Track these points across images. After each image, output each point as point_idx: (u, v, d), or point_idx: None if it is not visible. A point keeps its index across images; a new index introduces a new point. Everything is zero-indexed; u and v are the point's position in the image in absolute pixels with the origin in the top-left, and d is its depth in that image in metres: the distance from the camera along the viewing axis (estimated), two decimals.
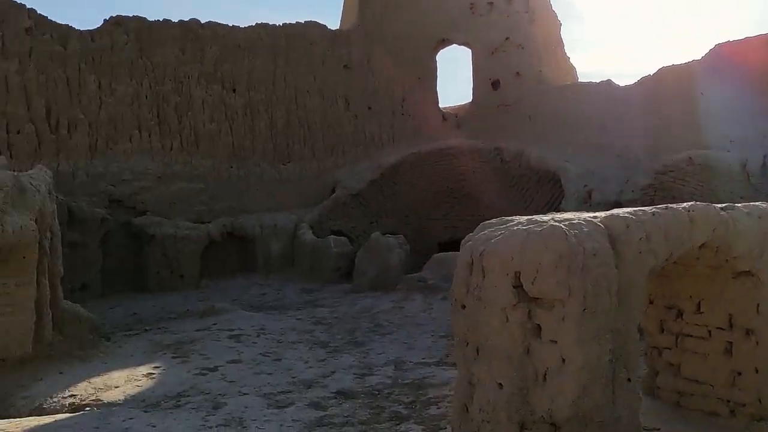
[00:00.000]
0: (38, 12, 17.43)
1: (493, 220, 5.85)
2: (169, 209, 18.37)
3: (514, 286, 4.89)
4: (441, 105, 23.65)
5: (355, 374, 9.22)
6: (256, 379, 9.17)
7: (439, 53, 23.72)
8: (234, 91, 20.23)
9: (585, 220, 5.09)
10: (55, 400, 8.53)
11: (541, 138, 20.09)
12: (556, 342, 4.77)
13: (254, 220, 19.15)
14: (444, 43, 23.35)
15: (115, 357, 10.40)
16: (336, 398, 8.12)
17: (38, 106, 17.14)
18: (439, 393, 7.95)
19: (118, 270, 17.43)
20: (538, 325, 4.88)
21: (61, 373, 9.49)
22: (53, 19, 17.72)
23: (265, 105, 20.71)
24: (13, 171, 10.15)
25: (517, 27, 21.88)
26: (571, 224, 4.96)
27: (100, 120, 17.95)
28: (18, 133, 16.80)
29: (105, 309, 14.78)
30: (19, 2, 17.15)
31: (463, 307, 5.53)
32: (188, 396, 8.47)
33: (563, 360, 4.75)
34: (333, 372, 9.40)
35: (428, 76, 23.33)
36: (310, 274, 18.07)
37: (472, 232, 5.75)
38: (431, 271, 14.58)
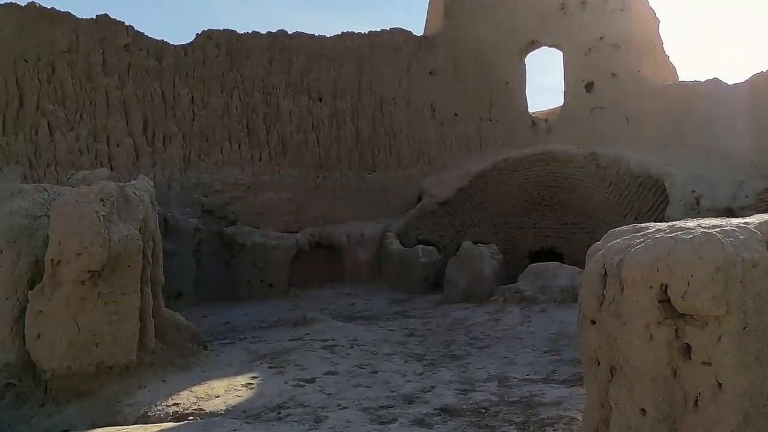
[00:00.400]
0: (136, 29, 18.05)
1: (624, 228, 5.36)
2: (258, 219, 18.58)
3: (659, 301, 4.39)
4: (530, 110, 22.97)
5: (456, 390, 8.82)
6: (355, 392, 8.92)
7: (527, 56, 23.07)
8: (320, 100, 20.33)
9: (738, 226, 4.54)
10: (159, 408, 8.56)
11: (639, 141, 19.13)
12: (710, 364, 4.25)
13: (342, 230, 19.10)
14: (533, 45, 22.70)
15: (213, 366, 10.41)
16: (440, 415, 7.74)
17: (136, 120, 17.72)
18: (552, 413, 7.44)
19: (210, 279, 17.73)
20: (687, 344, 4.36)
21: (163, 381, 9.56)
22: (150, 35, 18.31)
23: (350, 114, 20.70)
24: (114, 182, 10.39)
25: (613, 25, 20.99)
26: (724, 231, 4.42)
27: (193, 132, 18.39)
28: (117, 146, 17.41)
29: (198, 317, 14.98)
30: (118, 20, 17.81)
31: (593, 322, 5.08)
32: (288, 408, 8.30)
33: (719, 385, 4.21)
34: (433, 387, 9.03)
35: (516, 80, 22.73)
36: (398, 284, 17.80)
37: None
38: (527, 282, 13.99)
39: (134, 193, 9.65)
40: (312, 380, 9.52)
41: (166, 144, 18.02)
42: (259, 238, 17.73)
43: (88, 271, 8.80)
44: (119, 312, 9.16)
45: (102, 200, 9.05)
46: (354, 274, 18.91)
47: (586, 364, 5.25)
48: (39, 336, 9.02)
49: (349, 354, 11.08)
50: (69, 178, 14.80)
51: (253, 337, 12.98)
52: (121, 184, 9.79)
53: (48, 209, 10.60)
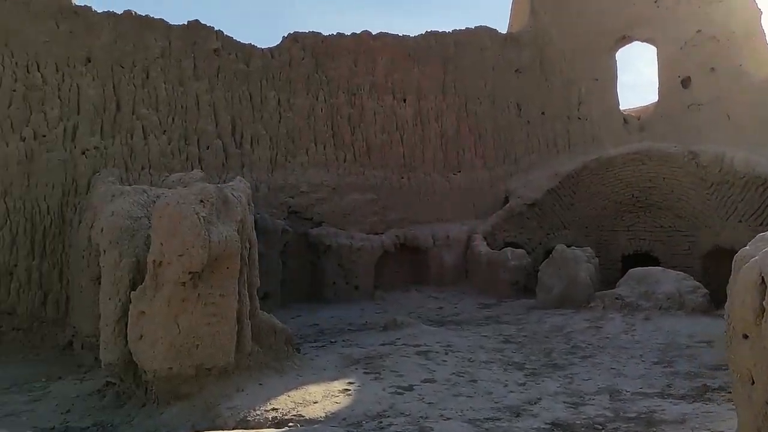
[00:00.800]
0: (225, 33, 18.31)
1: None
2: (343, 220, 18.50)
3: None
4: (621, 107, 21.98)
5: (565, 403, 8.31)
6: (456, 402, 8.56)
7: (618, 51, 22.08)
8: (404, 100, 20.09)
9: None
10: (258, 412, 8.46)
11: (740, 139, 17.93)
12: None
13: (427, 231, 18.77)
14: (624, 40, 21.72)
15: (308, 370, 10.27)
16: (553, 431, 7.28)
17: (225, 123, 17.96)
18: None
19: (296, 280, 17.77)
20: None
21: (260, 384, 9.48)
22: (238, 40, 18.54)
23: (435, 113, 20.37)
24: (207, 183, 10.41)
25: (711, 17, 19.79)
26: None
27: (279, 134, 18.50)
28: (207, 148, 17.69)
29: (287, 319, 14.94)
30: (208, 25, 18.11)
31: (746, 336, 4.55)
32: (389, 417, 8.03)
33: None
34: (539, 399, 8.55)
35: (606, 76, 21.79)
36: (486, 288, 17.32)
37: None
38: (628, 288, 13.22)
39: (232, 194, 9.63)
40: (410, 388, 9.22)
41: (254, 146, 18.20)
42: (344, 239, 17.64)
43: (189, 273, 8.80)
44: (218, 314, 9.13)
45: (202, 201, 9.05)
46: (439, 276, 18.54)
47: (738, 383, 4.73)
48: (141, 337, 9.10)
49: (445, 361, 10.72)
50: (163, 180, 15.13)
51: (343, 341, 12.82)
52: (219, 185, 9.80)
53: (147, 210, 10.76)
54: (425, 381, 9.56)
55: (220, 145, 17.78)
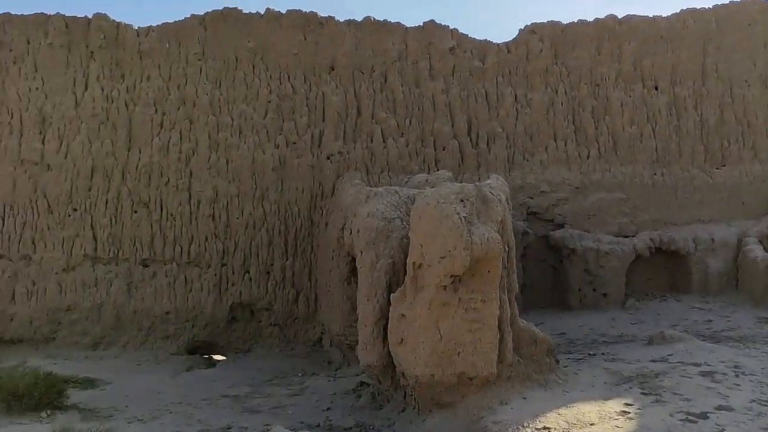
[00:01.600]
0: (460, 31, 17.96)
1: None
2: (587, 221, 17.13)
3: None
4: None
5: None
6: None
7: None
8: (656, 88, 18.11)
9: None
10: (528, 430, 7.74)
11: None
12: None
13: (686, 234, 16.66)
14: None
15: (574, 385, 9.31)
16: None
17: (461, 123, 17.58)
18: None
19: (537, 285, 16.79)
20: None
21: (524, 398, 8.76)
22: (473, 37, 18.09)
23: (693, 101, 18.11)
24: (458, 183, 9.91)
25: None
26: None
27: (516, 132, 17.67)
28: (443, 149, 17.44)
29: None
30: (443, 24, 17.89)
31: None
32: None
33: None
34: None
35: None
36: (764, 299, 14.81)
37: None
38: None
39: (490, 192, 9.03)
40: (703, 415, 7.84)
41: (490, 145, 17.58)
42: (590, 242, 16.27)
43: (451, 276, 8.36)
44: (479, 320, 8.58)
45: (462, 201, 8.58)
46: (702, 285, 16.35)
47: None
48: (402, 341, 8.87)
49: (738, 385, 9.07)
50: (406, 182, 15.11)
51: (602, 354, 11.61)
52: (477, 183, 9.27)
53: (401, 211, 10.60)
54: (720, 408, 8.10)
55: (456, 146, 17.43)
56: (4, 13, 16.16)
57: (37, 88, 15.97)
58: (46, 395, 10.15)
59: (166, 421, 10.03)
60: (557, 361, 10.35)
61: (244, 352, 15.90)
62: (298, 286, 16.31)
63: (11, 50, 16.13)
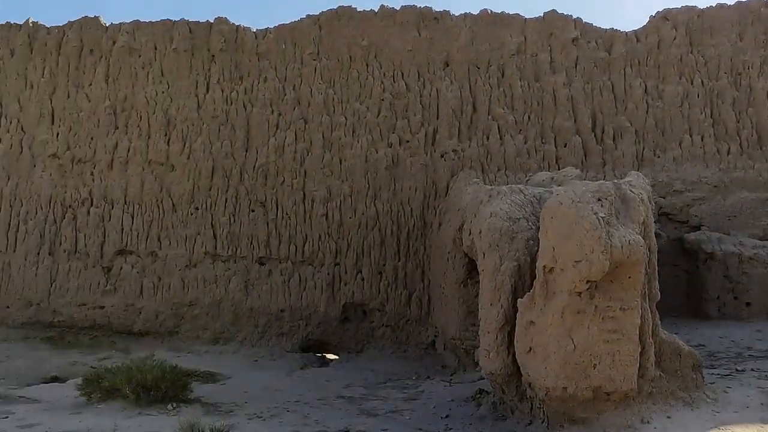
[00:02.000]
0: (584, 21, 16.97)
1: None
2: (727, 223, 15.64)
3: None
4: None
5: None
6: None
7: None
8: None
9: None
10: None
11: None
12: None
13: None
14: None
15: (724, 405, 8.31)
16: None
17: (584, 117, 16.59)
18: None
19: (669, 292, 15.40)
20: None
21: (668, 417, 7.90)
22: (598, 26, 17.04)
23: None
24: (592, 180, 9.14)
25: None
26: None
27: (647, 126, 16.44)
28: (565, 146, 16.52)
29: None
30: (566, 14, 16.97)
31: None
32: None
33: None
34: None
35: None
36: None
37: None
38: None
39: (631, 191, 8.21)
40: None
41: (617, 141, 16.46)
42: (731, 246, 14.80)
43: (587, 282, 7.63)
44: (618, 330, 7.78)
45: (599, 200, 7.82)
46: None
47: None
48: (530, 349, 8.23)
49: None
50: (527, 180, 14.37)
51: (752, 370, 10.39)
52: (616, 181, 8.47)
53: (526, 211, 9.94)
54: None
55: (579, 142, 16.46)
56: (134, 20, 16.95)
57: (163, 92, 16.62)
58: (172, 388, 10.36)
59: (284, 419, 9.94)
60: (703, 378, 9.34)
61: (357, 352, 15.77)
62: (410, 287, 15.98)
63: (140, 56, 16.88)
